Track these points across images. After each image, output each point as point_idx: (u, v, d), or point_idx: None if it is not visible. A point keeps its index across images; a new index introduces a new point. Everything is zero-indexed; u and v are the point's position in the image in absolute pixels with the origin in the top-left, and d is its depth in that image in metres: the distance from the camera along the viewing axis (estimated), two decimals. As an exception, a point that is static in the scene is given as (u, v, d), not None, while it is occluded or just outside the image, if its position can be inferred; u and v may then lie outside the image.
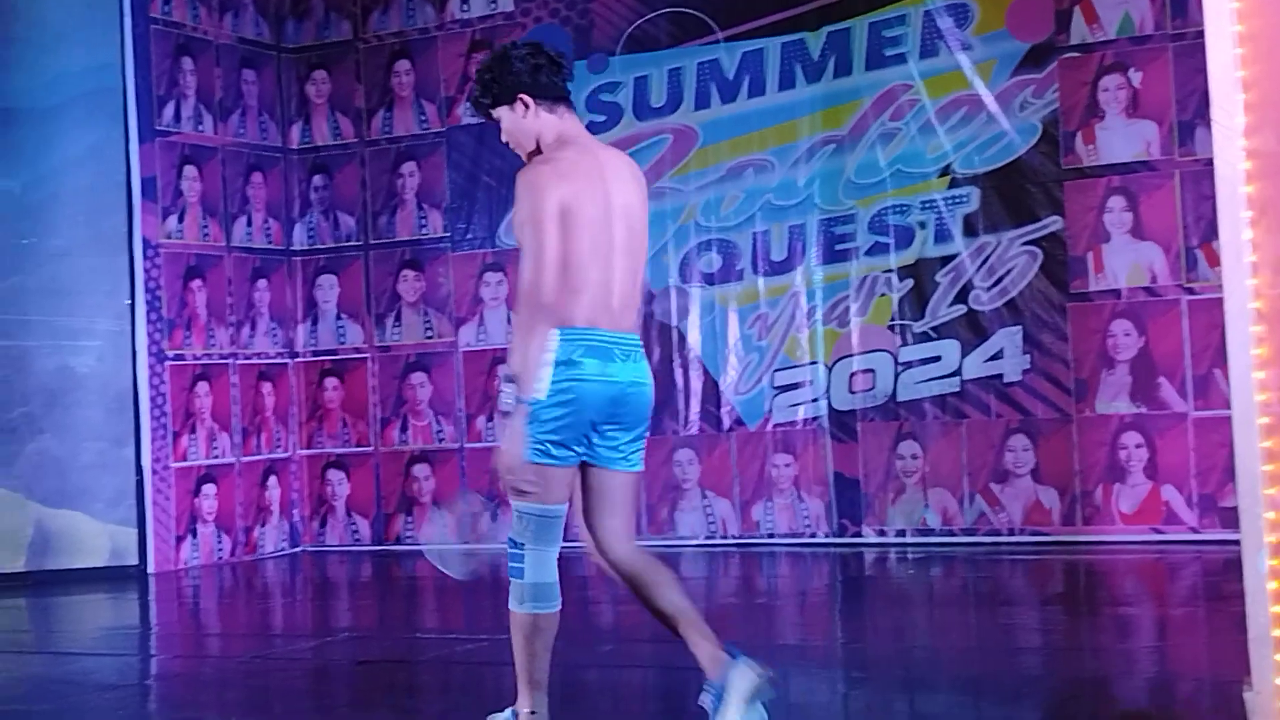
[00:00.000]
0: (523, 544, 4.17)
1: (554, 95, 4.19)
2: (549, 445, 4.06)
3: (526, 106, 4.16)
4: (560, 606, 4.20)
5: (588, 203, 4.05)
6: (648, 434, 4.32)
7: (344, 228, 10.53)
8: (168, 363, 9.59)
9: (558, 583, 4.19)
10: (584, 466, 4.19)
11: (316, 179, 10.62)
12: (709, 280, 9.47)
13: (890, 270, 9.04)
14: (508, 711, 4.28)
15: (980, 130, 8.89)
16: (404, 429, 10.31)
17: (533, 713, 4.20)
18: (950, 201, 8.93)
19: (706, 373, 9.47)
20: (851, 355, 9.13)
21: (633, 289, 4.20)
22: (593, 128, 9.68)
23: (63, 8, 9.42)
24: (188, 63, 9.92)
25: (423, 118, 10.30)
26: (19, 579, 9.00)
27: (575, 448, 4.11)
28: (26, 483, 9.18)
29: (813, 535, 9.19)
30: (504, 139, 4.26)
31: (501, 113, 4.19)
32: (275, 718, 5.17)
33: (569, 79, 4.25)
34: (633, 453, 4.24)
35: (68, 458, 9.34)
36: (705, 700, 4.19)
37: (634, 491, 4.33)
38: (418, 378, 10.26)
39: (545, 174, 4.04)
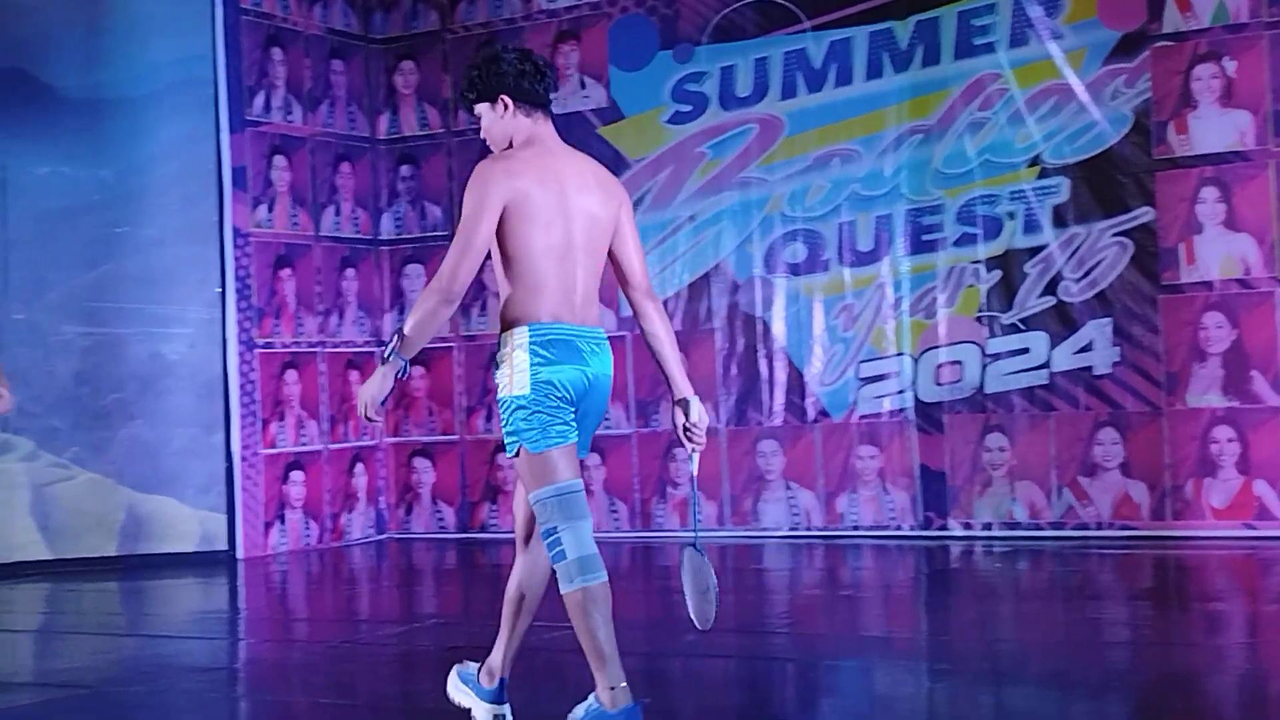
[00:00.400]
0: (555, 527, 4.18)
1: (533, 101, 4.33)
2: (548, 430, 4.14)
3: (505, 107, 4.30)
4: (607, 578, 4.22)
5: (539, 201, 4.18)
6: (707, 427, 4.51)
7: (430, 217, 10.59)
8: (257, 350, 9.70)
9: (598, 554, 4.21)
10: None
11: (404, 169, 10.69)
12: (794, 270, 9.43)
13: (978, 261, 8.96)
14: (591, 698, 4.27)
15: (1070, 120, 8.78)
16: (489, 418, 10.35)
17: (612, 688, 4.20)
18: (1040, 192, 8.83)
19: (791, 364, 9.44)
20: (938, 347, 9.07)
21: (594, 286, 4.35)
22: (678, 117, 9.74)
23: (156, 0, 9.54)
24: (277, 53, 10.02)
25: (509, 108, 10.31)
26: (111, 563, 9.14)
27: (570, 422, 4.20)
28: (119, 468, 9.32)
29: (898, 528, 9.14)
30: (482, 134, 4.38)
31: (483, 109, 4.33)
32: (362, 702, 5.21)
33: (551, 89, 4.38)
34: (586, 441, 4.36)
35: (159, 444, 9.47)
36: (461, 677, 4.48)
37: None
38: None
39: (494, 170, 4.16)
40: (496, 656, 4.50)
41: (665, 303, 9.76)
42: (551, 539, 4.20)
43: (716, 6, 9.67)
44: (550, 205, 4.21)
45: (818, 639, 6.18)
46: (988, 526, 8.93)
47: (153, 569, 9.06)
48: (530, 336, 4.15)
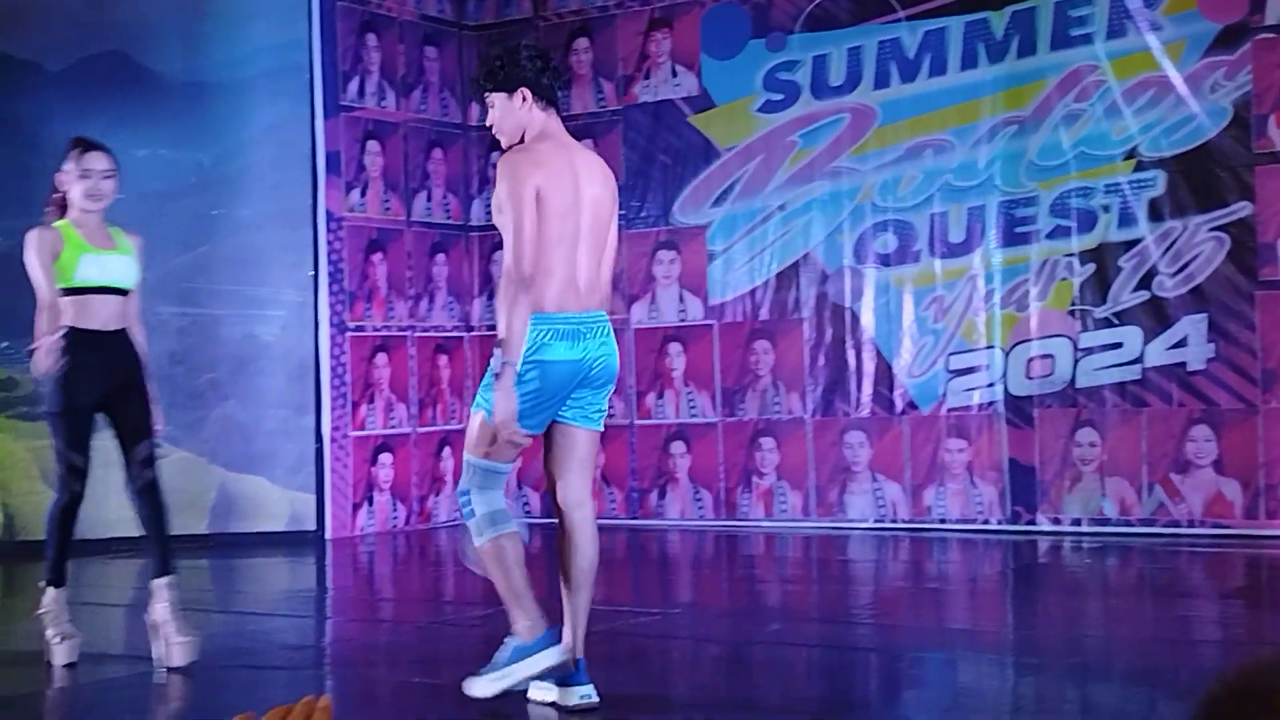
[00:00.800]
0: (470, 491, 4.54)
1: (548, 97, 4.57)
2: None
3: (524, 100, 4.54)
4: (516, 529, 4.53)
5: (556, 192, 4.42)
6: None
7: (520, 204, 10.62)
8: (348, 334, 9.79)
9: (506, 508, 4.56)
10: (552, 424, 4.62)
11: (494, 155, 10.73)
12: (884, 261, 9.38)
13: (1072, 254, 8.87)
14: (507, 640, 4.52)
15: (1168, 113, 8.66)
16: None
17: (529, 623, 4.50)
18: (1135, 185, 8.72)
19: (880, 355, 9.39)
20: (1030, 340, 8.98)
21: (598, 273, 4.57)
22: (769, 106, 9.71)
23: (254, -15, 9.66)
24: (372, 39, 10.10)
25: (600, 96, 10.35)
26: (202, 541, 9.27)
27: (541, 417, 4.51)
28: (211, 447, 9.46)
29: (985, 522, 9.07)
30: (490, 122, 4.61)
31: (499, 99, 4.55)
32: (447, 682, 5.25)
33: (563, 88, 4.67)
34: (595, 413, 4.66)
35: (251, 424, 9.59)
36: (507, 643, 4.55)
37: (593, 450, 4.75)
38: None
39: (522, 161, 4.42)
40: (564, 630, 4.65)
41: (753, 292, 9.75)
42: (464, 499, 4.56)
43: (810, -5, 9.64)
44: (566, 197, 4.45)
45: (902, 630, 6.15)
46: (1077, 522, 8.84)
47: (242, 547, 9.18)
48: (532, 326, 4.40)
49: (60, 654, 5.44)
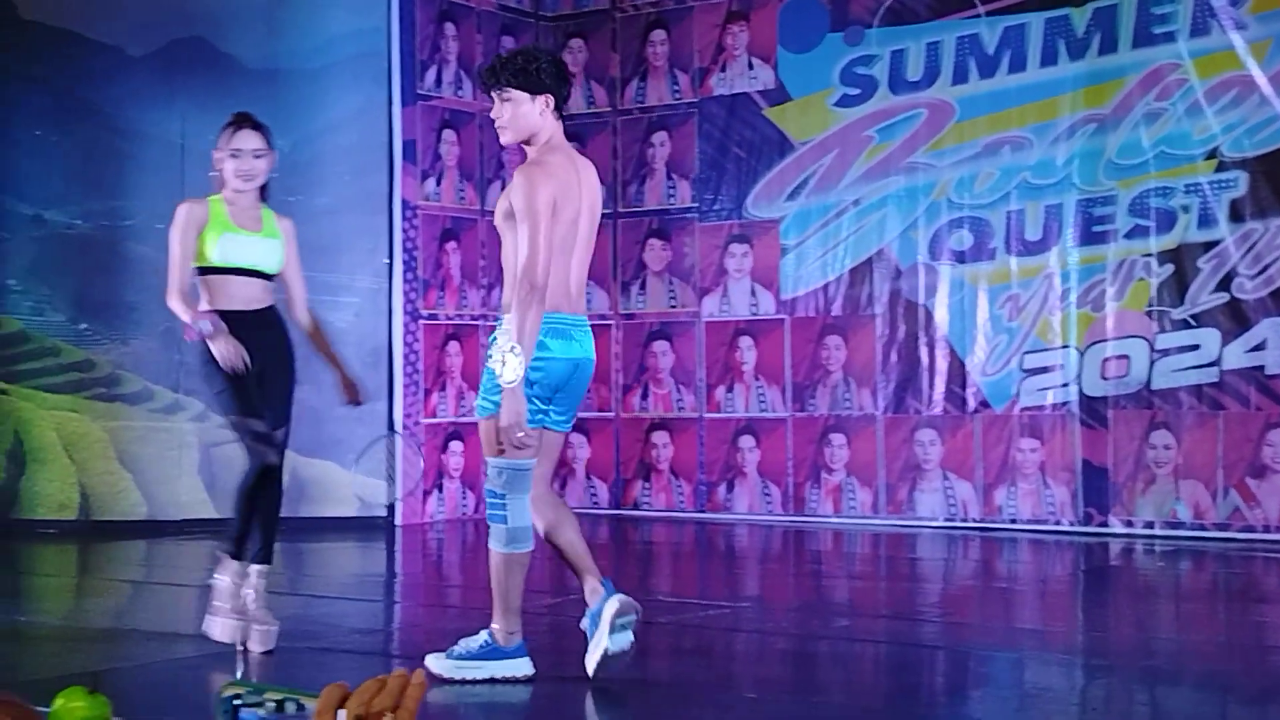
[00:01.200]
0: (504, 495, 4.71)
1: (560, 108, 4.78)
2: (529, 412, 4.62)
3: (546, 106, 4.71)
4: (531, 550, 4.83)
5: (567, 203, 4.65)
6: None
7: (595, 195, 10.64)
8: (421, 321, 9.85)
9: (531, 527, 4.81)
10: None
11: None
12: (959, 258, 9.31)
13: (1150, 254, 8.77)
14: (483, 633, 4.79)
15: (1251, 113, 8.54)
16: (645, 396, 10.40)
17: (510, 633, 4.79)
18: (1216, 185, 8.61)
19: (953, 352, 9.32)
20: (1105, 340, 8.89)
21: (584, 276, 4.82)
22: (846, 101, 9.67)
23: (335, -27, 9.73)
24: (450, 29, 10.14)
25: (675, 88, 10.35)
26: (274, 524, 9.33)
27: (544, 408, 4.72)
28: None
29: (1057, 522, 8.99)
30: (498, 118, 4.73)
31: (520, 97, 4.67)
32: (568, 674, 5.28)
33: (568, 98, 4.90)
34: (569, 418, 4.90)
35: (324, 409, 9.62)
36: (584, 624, 4.81)
37: (560, 446, 5.00)
38: (660, 346, 10.34)
39: (540, 174, 4.61)
40: (586, 592, 4.87)
41: (826, 286, 9.71)
42: (497, 502, 4.73)
43: (889, -11, 9.58)
44: (573, 207, 4.68)
45: (970, 629, 6.11)
46: (1150, 525, 8.74)
47: (313, 532, 9.25)
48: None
49: (219, 630, 5.39)
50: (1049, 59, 9.10)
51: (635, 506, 10.38)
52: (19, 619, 6.32)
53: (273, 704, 1.46)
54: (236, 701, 1.47)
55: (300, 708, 1.45)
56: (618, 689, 4.91)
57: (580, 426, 10.62)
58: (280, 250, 5.46)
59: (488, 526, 4.84)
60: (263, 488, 5.45)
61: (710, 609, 6.45)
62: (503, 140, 4.83)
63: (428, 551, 9.04)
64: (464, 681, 4.75)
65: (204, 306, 5.30)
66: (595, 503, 10.52)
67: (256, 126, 5.43)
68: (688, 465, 10.21)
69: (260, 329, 5.36)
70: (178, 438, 9.41)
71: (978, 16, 9.29)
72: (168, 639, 5.73)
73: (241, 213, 5.39)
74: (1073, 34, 9.03)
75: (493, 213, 10.22)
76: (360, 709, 1.40)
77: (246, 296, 5.36)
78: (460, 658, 4.79)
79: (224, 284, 5.34)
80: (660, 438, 10.33)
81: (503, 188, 10.48)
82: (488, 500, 4.79)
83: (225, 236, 5.33)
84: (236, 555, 5.46)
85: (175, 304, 5.24)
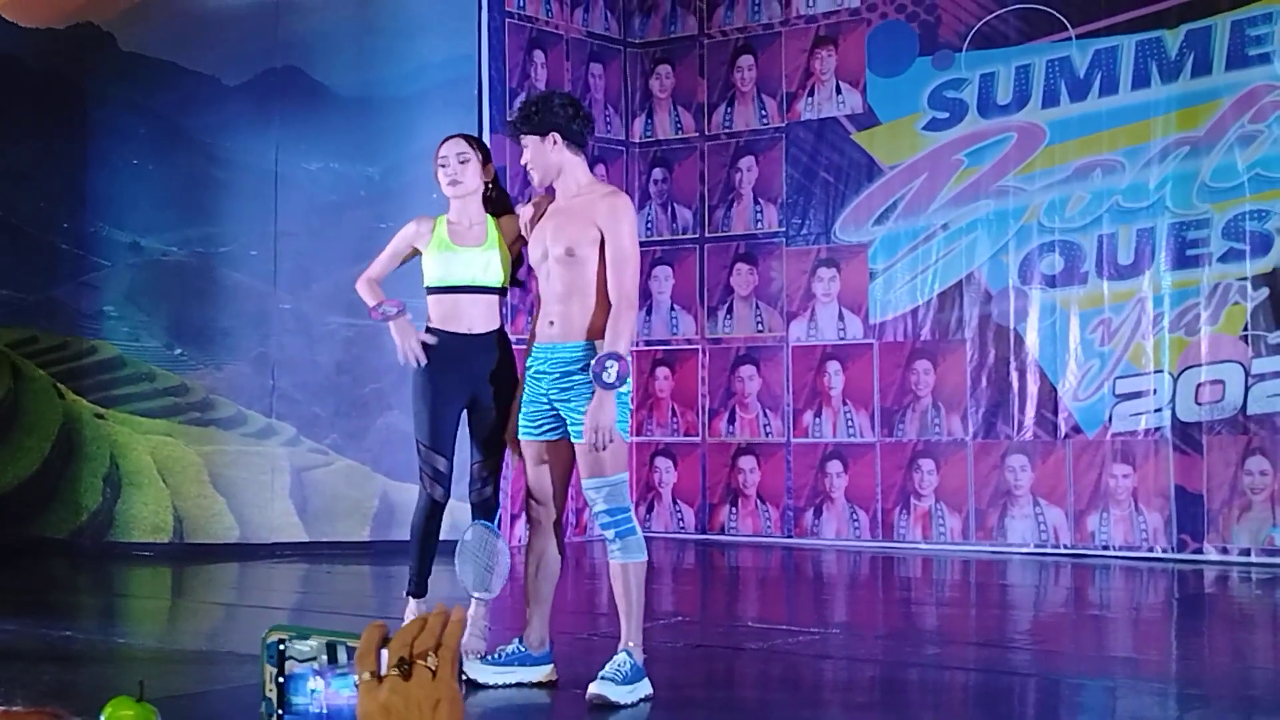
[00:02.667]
0: (627, 507, 4.95)
1: (578, 142, 5.06)
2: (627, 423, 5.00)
3: (555, 142, 5.00)
4: None
5: None
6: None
7: (680, 220, 10.67)
8: (511, 347, 9.88)
9: None
10: (566, 438, 5.05)
11: (656, 172, 10.80)
12: (1050, 283, 9.23)
13: (1244, 278, 8.64)
14: (623, 653, 4.86)
15: (1349, 134, 8.41)
16: (731, 421, 10.39)
17: (644, 651, 4.93)
18: (1313, 208, 8.48)
19: (1044, 377, 9.23)
20: (1199, 365, 8.77)
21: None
22: (935, 124, 9.63)
23: (425, 1, 9.83)
24: (539, 56, 10.22)
25: (763, 113, 10.35)
26: (364, 547, 9.43)
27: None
28: (375, 456, 9.62)
29: (1150, 550, 8.87)
30: (524, 162, 5.07)
31: (532, 141, 5.02)
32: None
33: (591, 134, 5.19)
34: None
35: (413, 434, 9.73)
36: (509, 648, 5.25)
37: None
38: (747, 370, 10.33)
39: (625, 201, 5.08)
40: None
41: (915, 311, 9.65)
42: (626, 515, 4.93)
43: (978, 13, 9.53)
44: None
45: (1062, 657, 6.04)
46: (1245, 552, 8.60)
47: (403, 555, 9.27)
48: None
49: None
50: (1141, 81, 9.01)
51: (721, 531, 10.37)
52: (116, 640, 6.42)
53: (318, 648, 1.45)
54: (281, 646, 1.46)
55: (348, 652, 1.45)
56: (707, 715, 4.91)
57: (667, 451, 10.63)
58: (500, 259, 5.32)
59: (613, 544, 4.94)
60: (433, 520, 5.51)
61: (799, 635, 6.42)
62: (534, 182, 5.18)
63: (515, 575, 9.06)
64: (633, 704, 4.78)
65: (429, 323, 5.32)
66: (681, 527, 10.52)
67: (460, 135, 5.44)
68: (775, 490, 10.18)
69: (479, 354, 5.32)
70: (270, 462, 9.52)
71: (1068, 39, 9.22)
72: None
73: (461, 228, 5.33)
74: (1165, 56, 8.94)
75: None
76: (404, 650, 1.39)
77: (470, 318, 5.30)
78: (627, 681, 4.80)
79: (440, 302, 5.32)
80: (747, 463, 10.31)
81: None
82: (614, 518, 4.93)
83: (443, 254, 5.28)
84: (413, 593, 5.51)
85: (361, 287, 5.50)
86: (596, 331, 4.89)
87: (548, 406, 5.02)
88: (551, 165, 5.01)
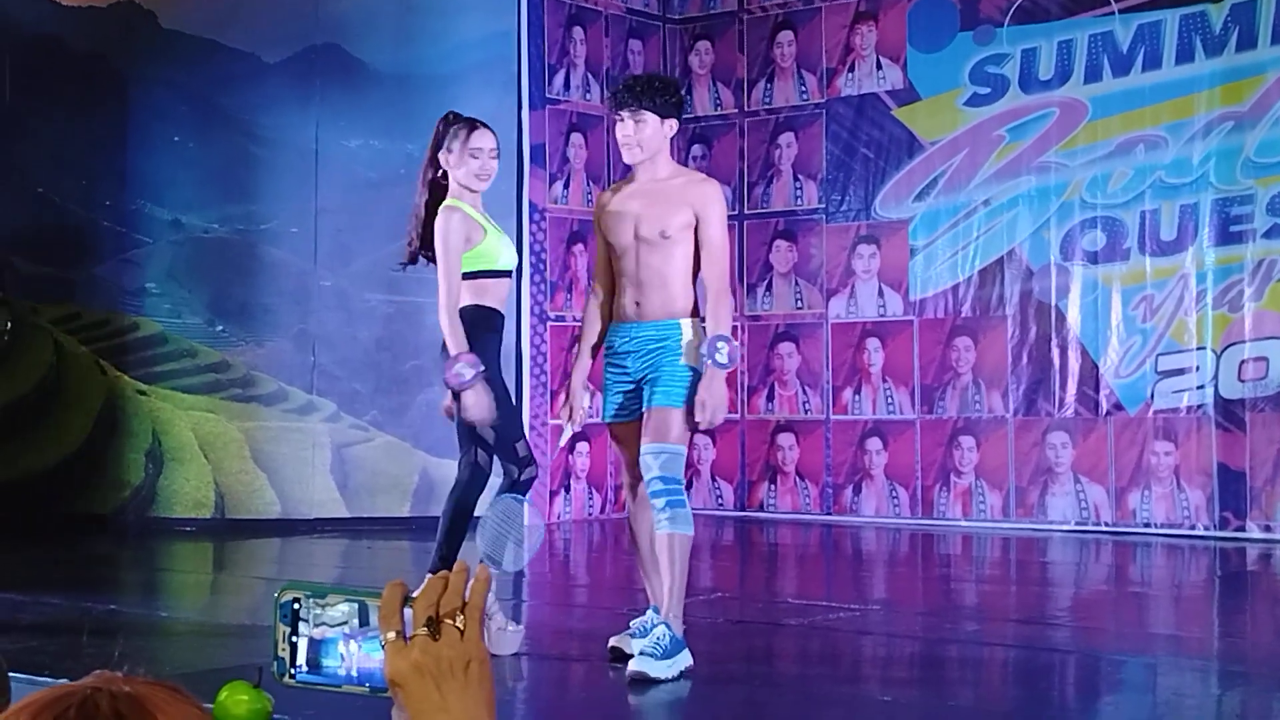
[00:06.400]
0: (680, 480, 4.95)
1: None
2: None
3: (673, 129, 5.11)
4: None
5: None
6: None
7: (721, 197, 10.63)
8: (549, 324, 9.91)
9: None
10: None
11: (695, 149, 10.77)
12: (1092, 259, 9.17)
13: (1289, 254, 8.56)
14: (661, 626, 4.79)
15: (1396, 108, 8.31)
16: (770, 398, 10.37)
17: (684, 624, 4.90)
18: (1359, 183, 8.40)
19: (1085, 354, 9.18)
20: (1243, 342, 8.70)
21: None
22: (976, 100, 9.57)
23: (465, -22, 9.84)
24: (578, 33, 10.21)
25: (803, 89, 10.31)
26: (404, 523, 9.47)
27: None
28: (415, 432, 9.65)
29: (1192, 527, 8.81)
30: (635, 137, 5.00)
31: (652, 119, 5.01)
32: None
33: None
34: None
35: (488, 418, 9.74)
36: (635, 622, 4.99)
37: None
38: (786, 348, 10.31)
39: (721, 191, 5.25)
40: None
41: (955, 288, 9.61)
42: (678, 486, 4.95)
43: (1020, -13, 9.46)
44: None
45: (1102, 634, 6.02)
46: (1289, 531, 8.54)
47: (443, 531, 9.33)
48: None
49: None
50: (1185, 56, 8.93)
51: (760, 509, 10.36)
52: (160, 614, 6.48)
53: (350, 611, 1.41)
54: (296, 606, 1.43)
55: (366, 613, 1.42)
56: (747, 691, 4.92)
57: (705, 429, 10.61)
58: None
59: (662, 513, 4.87)
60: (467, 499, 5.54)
61: (838, 611, 6.42)
62: (628, 158, 5.05)
63: (554, 551, 9.10)
64: (674, 678, 4.75)
65: (468, 302, 5.22)
66: (720, 504, 10.52)
67: (487, 126, 5.43)
68: (814, 468, 10.16)
69: (502, 331, 5.47)
70: (311, 438, 9.57)
71: (1111, 14, 9.14)
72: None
73: (487, 213, 5.40)
74: (1209, 30, 8.86)
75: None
76: (430, 609, 1.37)
77: (504, 297, 5.42)
78: (667, 656, 4.77)
79: (504, 287, 5.41)
80: (786, 439, 10.30)
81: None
82: (667, 486, 4.90)
83: (502, 238, 5.37)
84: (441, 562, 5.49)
85: (451, 322, 5.17)
86: (680, 311, 4.99)
87: (634, 386, 5.09)
88: (656, 148, 5.04)
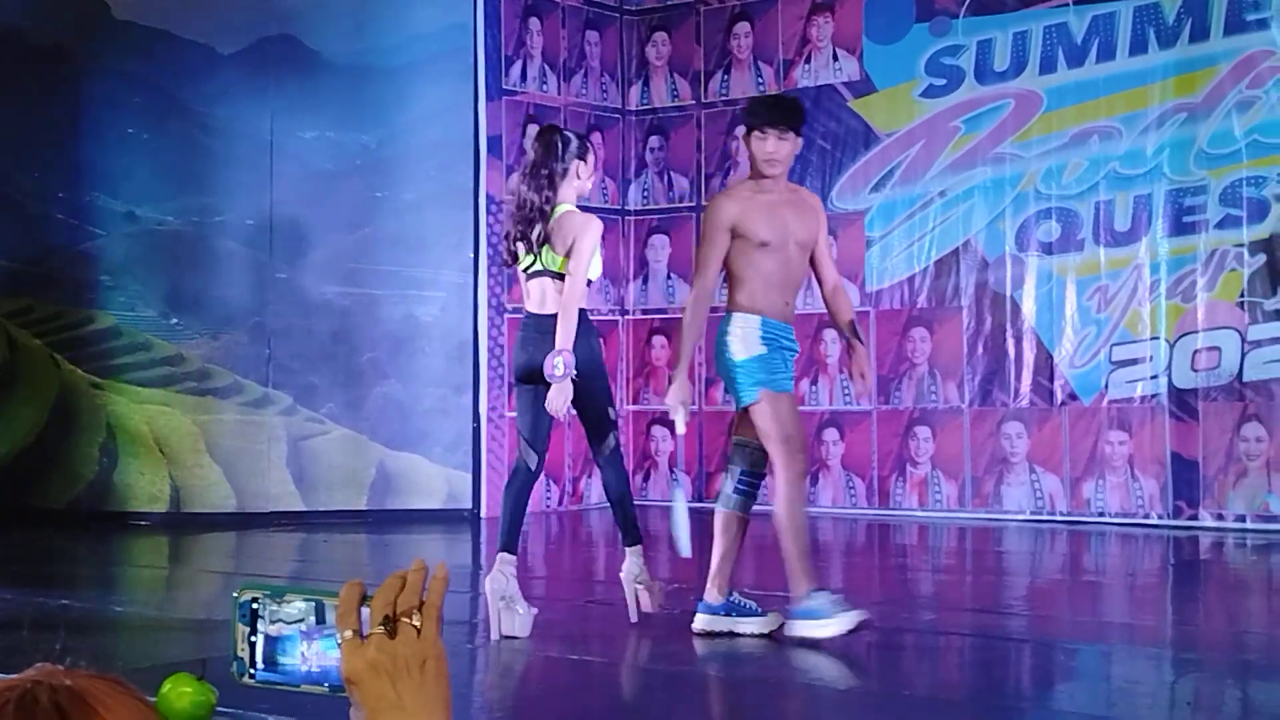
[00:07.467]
0: None
1: None
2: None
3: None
4: None
5: None
6: None
7: (677, 189, 10.65)
8: (506, 315, 9.89)
9: None
10: None
11: (653, 140, 10.77)
12: (1047, 249, 9.22)
13: (1241, 245, 8.63)
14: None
15: (1346, 100, 8.39)
16: (727, 390, 10.35)
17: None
18: (1310, 174, 8.47)
19: (1040, 344, 9.23)
20: (1196, 332, 8.77)
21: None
22: (932, 91, 9.61)
23: (420, -31, 9.80)
24: (535, 24, 10.18)
25: (759, 80, 10.32)
26: (360, 516, 9.45)
27: None
28: (372, 425, 9.62)
29: (1146, 516, 8.88)
30: (777, 154, 5.37)
31: (795, 139, 5.41)
32: (597, 658, 5.30)
33: None
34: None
35: (410, 403, 9.75)
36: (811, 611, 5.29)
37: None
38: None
39: None
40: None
41: (911, 279, 9.64)
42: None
43: (975, -21, 9.49)
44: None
45: (1056, 622, 6.06)
46: (1241, 518, 8.61)
47: (399, 524, 9.34)
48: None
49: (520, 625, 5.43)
50: (1138, 48, 8.99)
51: (718, 499, 10.34)
52: (114, 609, 6.44)
53: (306, 609, 1.41)
54: (255, 605, 1.42)
55: (323, 611, 1.41)
56: (702, 681, 4.92)
57: (664, 420, 10.62)
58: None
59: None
60: (520, 489, 5.67)
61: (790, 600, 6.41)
62: (770, 171, 5.41)
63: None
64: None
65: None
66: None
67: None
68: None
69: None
70: (267, 431, 9.53)
71: (1066, 6, 9.19)
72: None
73: None
74: (1163, 22, 8.91)
75: (577, 208, 10.46)
76: (387, 608, 1.36)
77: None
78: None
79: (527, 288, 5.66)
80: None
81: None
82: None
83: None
84: (504, 547, 5.58)
85: (572, 321, 5.45)
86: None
87: None
88: (790, 165, 5.55)
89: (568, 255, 5.42)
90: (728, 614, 5.39)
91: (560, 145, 5.56)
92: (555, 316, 5.42)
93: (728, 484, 5.61)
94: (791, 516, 5.34)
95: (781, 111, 5.41)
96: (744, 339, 5.48)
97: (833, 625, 5.11)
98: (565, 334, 5.36)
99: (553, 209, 5.49)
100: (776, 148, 5.35)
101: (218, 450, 9.49)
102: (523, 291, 5.69)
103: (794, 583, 5.30)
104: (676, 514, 5.65)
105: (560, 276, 5.44)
